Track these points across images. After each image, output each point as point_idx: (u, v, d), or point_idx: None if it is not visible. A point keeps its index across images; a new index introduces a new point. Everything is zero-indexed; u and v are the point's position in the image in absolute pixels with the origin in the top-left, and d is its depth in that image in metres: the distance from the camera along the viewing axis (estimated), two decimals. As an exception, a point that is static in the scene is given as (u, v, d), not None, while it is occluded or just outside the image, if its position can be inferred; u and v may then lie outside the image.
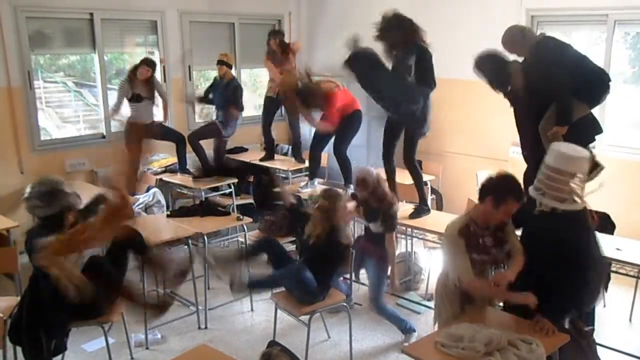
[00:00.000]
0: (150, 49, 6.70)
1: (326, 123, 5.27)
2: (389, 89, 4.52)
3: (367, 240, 4.36)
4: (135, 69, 5.86)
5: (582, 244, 2.92)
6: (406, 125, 4.68)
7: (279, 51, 6.63)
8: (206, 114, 6.64)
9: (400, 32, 4.46)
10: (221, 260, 4.01)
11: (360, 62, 4.55)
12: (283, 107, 7.02)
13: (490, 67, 4.04)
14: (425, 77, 4.49)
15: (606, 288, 3.38)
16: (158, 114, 6.27)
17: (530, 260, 3.02)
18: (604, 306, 4.56)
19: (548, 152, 2.96)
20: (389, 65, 4.61)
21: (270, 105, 6.84)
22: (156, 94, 6.08)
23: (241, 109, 6.29)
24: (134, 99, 5.86)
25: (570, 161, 2.84)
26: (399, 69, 4.54)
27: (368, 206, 4.24)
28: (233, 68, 6.89)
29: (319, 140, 5.64)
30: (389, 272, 4.26)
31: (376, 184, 4.19)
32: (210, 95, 6.36)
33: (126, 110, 5.95)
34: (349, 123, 5.34)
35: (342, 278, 4.44)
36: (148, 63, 5.90)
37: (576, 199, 2.87)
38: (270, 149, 6.83)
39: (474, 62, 4.11)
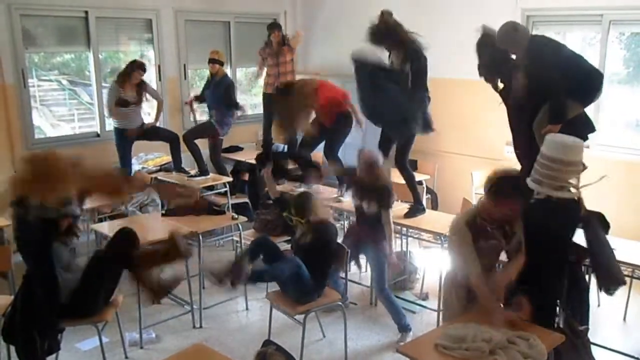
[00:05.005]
0: (145, 47, 6.69)
1: (319, 121, 5.28)
2: (390, 112, 4.52)
3: (361, 225, 4.36)
4: (126, 72, 5.76)
5: (571, 233, 2.95)
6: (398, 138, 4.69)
7: (277, 44, 6.61)
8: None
9: (392, 37, 4.47)
10: (218, 274, 3.86)
11: (364, 74, 4.54)
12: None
13: (488, 55, 4.06)
14: (421, 82, 4.51)
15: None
16: (149, 116, 6.26)
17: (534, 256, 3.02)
18: (598, 305, 4.58)
19: (544, 143, 3.00)
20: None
21: (269, 102, 6.81)
22: (146, 97, 6.00)
23: (235, 106, 6.23)
24: (121, 103, 5.75)
25: (565, 149, 2.88)
26: (399, 80, 4.53)
27: (362, 186, 4.27)
28: (228, 66, 6.89)
29: (307, 145, 5.63)
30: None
31: (375, 166, 4.24)
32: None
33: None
34: (340, 125, 5.32)
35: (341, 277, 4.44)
36: (141, 66, 5.80)
37: (571, 188, 2.90)
38: (267, 152, 6.78)
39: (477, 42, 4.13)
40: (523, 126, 4.07)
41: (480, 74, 4.19)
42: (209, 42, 6.99)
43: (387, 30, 4.44)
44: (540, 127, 3.92)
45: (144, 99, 5.97)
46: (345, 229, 5.12)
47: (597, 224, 3.18)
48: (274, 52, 6.63)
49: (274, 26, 6.71)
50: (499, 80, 4.19)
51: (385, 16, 4.47)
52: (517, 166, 4.28)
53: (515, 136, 4.24)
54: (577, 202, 2.98)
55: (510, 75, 4.08)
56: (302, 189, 5.46)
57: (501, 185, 2.99)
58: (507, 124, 4.28)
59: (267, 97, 6.81)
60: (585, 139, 4.04)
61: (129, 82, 5.74)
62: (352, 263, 4.42)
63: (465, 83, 4.47)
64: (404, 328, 4.26)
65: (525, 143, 4.08)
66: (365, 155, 4.31)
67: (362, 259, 4.58)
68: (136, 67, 5.76)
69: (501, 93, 4.22)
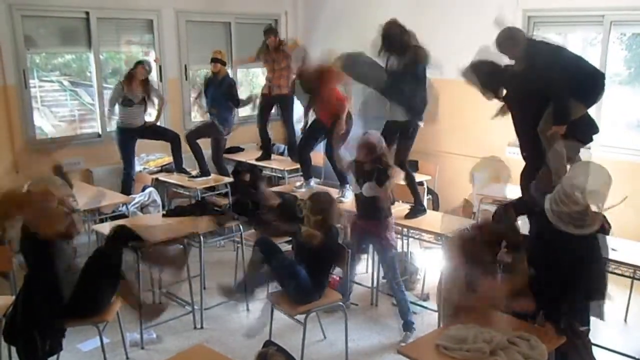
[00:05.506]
0: (146, 48, 6.69)
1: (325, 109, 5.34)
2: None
3: (361, 217, 4.35)
4: (131, 70, 5.83)
5: (590, 251, 2.94)
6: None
7: (273, 50, 6.63)
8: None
9: (400, 40, 4.48)
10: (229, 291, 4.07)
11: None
12: (277, 106, 7.01)
13: (484, 71, 4.06)
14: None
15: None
16: (151, 115, 6.27)
17: (539, 262, 3.01)
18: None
19: (564, 178, 2.96)
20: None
21: (265, 103, 6.83)
22: (150, 97, 6.04)
23: (238, 103, 6.30)
24: (125, 102, 5.83)
25: (594, 196, 2.85)
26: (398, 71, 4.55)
27: (362, 168, 4.25)
28: (229, 66, 6.89)
29: (307, 142, 5.63)
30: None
31: (378, 149, 4.19)
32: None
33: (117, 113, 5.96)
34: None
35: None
36: (143, 62, 5.88)
37: (595, 209, 2.89)
38: (266, 149, 6.82)
39: (469, 66, 4.12)
40: (527, 128, 4.06)
41: (485, 93, 4.21)
42: (209, 42, 6.99)
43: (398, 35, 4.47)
44: (545, 129, 3.92)
45: (148, 98, 6.01)
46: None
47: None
48: (271, 58, 6.66)
49: (270, 31, 6.72)
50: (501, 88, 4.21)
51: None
52: (519, 167, 4.29)
53: (522, 140, 4.24)
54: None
55: (510, 79, 4.09)
56: (304, 190, 5.47)
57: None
58: (508, 124, 4.27)
59: (263, 98, 6.83)
60: (589, 140, 4.05)
61: (134, 80, 5.81)
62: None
63: (466, 83, 4.47)
64: (408, 325, 4.26)
65: (532, 146, 4.07)
66: (364, 138, 4.23)
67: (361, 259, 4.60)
68: (139, 63, 5.85)
69: (504, 99, 4.23)
